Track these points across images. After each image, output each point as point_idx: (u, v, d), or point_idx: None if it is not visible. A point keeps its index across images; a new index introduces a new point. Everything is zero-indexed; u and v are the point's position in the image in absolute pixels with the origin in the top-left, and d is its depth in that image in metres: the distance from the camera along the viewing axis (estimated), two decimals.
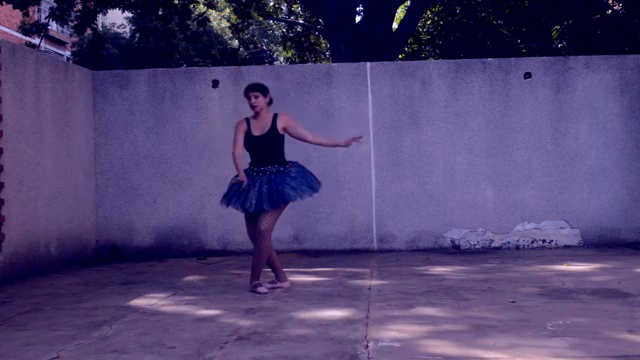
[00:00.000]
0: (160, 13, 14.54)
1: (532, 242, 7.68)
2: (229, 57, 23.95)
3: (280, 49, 24.07)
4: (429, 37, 17.41)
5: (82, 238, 7.40)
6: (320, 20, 16.83)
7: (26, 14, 15.20)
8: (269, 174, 5.05)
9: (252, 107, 5.16)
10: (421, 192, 7.76)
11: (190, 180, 7.82)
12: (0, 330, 3.96)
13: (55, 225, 6.80)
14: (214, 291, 5.19)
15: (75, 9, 14.73)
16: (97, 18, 14.81)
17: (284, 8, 21.82)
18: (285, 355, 3.21)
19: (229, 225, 7.66)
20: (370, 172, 7.78)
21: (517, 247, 7.68)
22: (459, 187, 7.74)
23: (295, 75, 7.89)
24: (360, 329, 3.72)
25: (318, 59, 22.15)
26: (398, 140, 7.80)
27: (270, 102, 5.24)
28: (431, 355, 3.14)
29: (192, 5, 15.77)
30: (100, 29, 21.45)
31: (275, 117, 5.18)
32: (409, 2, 16.75)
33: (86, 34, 18.68)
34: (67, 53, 30.86)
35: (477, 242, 7.70)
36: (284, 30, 22.65)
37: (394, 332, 3.62)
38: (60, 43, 32.71)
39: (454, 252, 7.56)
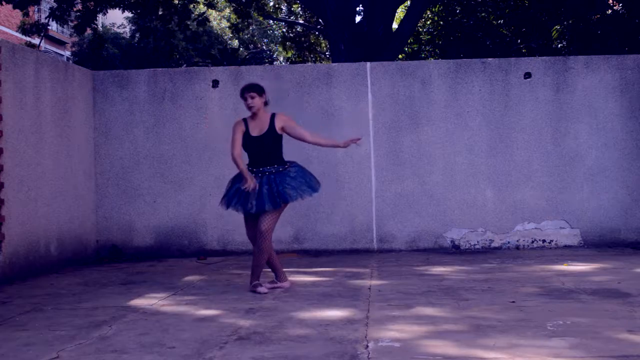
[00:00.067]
0: (160, 13, 14.54)
1: (532, 242, 7.69)
2: (229, 57, 23.95)
3: (280, 49, 24.06)
4: (429, 37, 17.41)
5: (82, 238, 7.40)
6: (320, 20, 16.83)
7: (26, 14, 15.20)
8: (268, 174, 5.05)
9: (249, 107, 5.16)
10: (421, 192, 7.76)
11: (190, 180, 7.82)
12: (0, 330, 3.96)
13: (55, 225, 6.80)
14: (214, 291, 5.19)
15: (75, 9, 14.73)
16: (97, 18, 14.81)
17: (283, 8, 21.82)
18: (285, 355, 3.21)
19: (229, 225, 7.66)
20: (370, 172, 7.78)
21: (517, 247, 7.68)
22: (459, 187, 7.75)
23: (295, 75, 7.89)
24: (360, 329, 3.72)
25: (318, 59, 22.15)
26: (398, 140, 7.80)
27: (266, 103, 5.22)
28: (431, 355, 3.14)
29: (192, 5, 15.77)
30: (100, 29, 21.45)
31: (273, 117, 5.17)
32: (409, 2, 16.75)
33: (86, 34, 18.68)
34: (67, 53, 30.86)
35: (477, 242, 7.70)
36: (284, 30, 22.65)
37: (394, 332, 3.62)
38: (60, 43, 32.71)
39: (454, 252, 7.56)
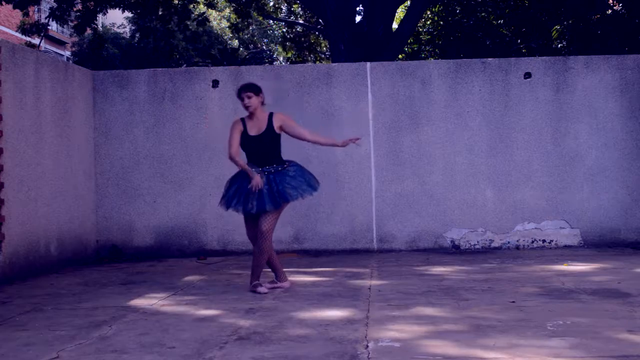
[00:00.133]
0: (160, 13, 14.54)
1: (532, 242, 7.69)
2: (229, 57, 23.95)
3: (280, 49, 24.07)
4: (429, 37, 17.41)
5: (82, 238, 7.40)
6: (320, 20, 16.83)
7: (26, 14, 15.20)
8: (267, 174, 5.04)
9: (246, 107, 5.15)
10: (421, 192, 7.76)
11: (190, 180, 7.82)
12: (0, 330, 3.96)
13: (55, 225, 6.80)
14: (214, 291, 5.19)
15: (75, 9, 14.73)
16: (97, 18, 14.80)
17: (283, 8, 21.82)
18: (285, 355, 3.21)
19: (229, 225, 7.66)
20: (370, 172, 7.78)
21: (517, 247, 7.68)
22: (459, 187, 7.75)
23: (295, 75, 7.89)
24: (360, 329, 3.72)
25: (318, 59, 22.15)
26: (398, 140, 7.80)
27: (262, 102, 5.21)
28: (431, 355, 3.14)
29: (192, 5, 15.77)
30: (100, 29, 21.46)
31: (271, 116, 5.16)
32: (409, 2, 16.75)
33: (86, 34, 18.68)
34: (67, 53, 30.86)
35: (477, 242, 7.70)
36: (284, 30, 22.65)
37: (394, 332, 3.62)
38: (60, 43, 32.71)
39: (454, 252, 7.56)
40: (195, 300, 4.82)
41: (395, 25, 15.95)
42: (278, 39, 28.80)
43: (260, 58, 28.90)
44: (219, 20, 29.96)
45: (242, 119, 5.23)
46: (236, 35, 25.22)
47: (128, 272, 6.47)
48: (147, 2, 13.76)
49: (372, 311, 4.23)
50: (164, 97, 7.89)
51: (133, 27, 25.89)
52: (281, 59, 30.17)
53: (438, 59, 15.72)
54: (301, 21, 20.81)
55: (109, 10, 14.65)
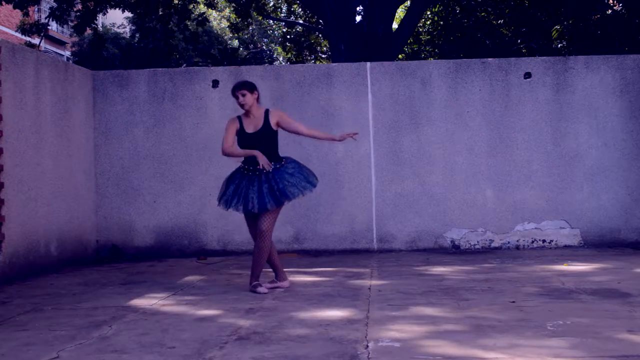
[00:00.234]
0: (160, 13, 14.54)
1: (532, 242, 7.69)
2: (229, 57, 23.92)
3: (280, 49, 24.07)
4: (429, 37, 17.42)
5: (82, 238, 7.40)
6: (320, 20, 16.83)
7: (26, 14, 15.19)
8: (266, 172, 5.05)
9: (241, 105, 5.15)
10: (421, 192, 7.76)
11: (190, 180, 7.82)
12: (0, 330, 3.96)
13: (55, 225, 6.80)
14: (214, 291, 5.19)
15: (75, 9, 14.73)
16: (97, 18, 14.80)
17: (283, 8, 21.82)
18: (285, 355, 3.21)
19: (229, 225, 7.66)
20: (370, 172, 7.78)
21: (517, 247, 7.68)
22: (459, 187, 7.75)
23: (295, 75, 7.89)
24: (360, 329, 3.72)
25: (318, 59, 22.15)
26: (398, 140, 7.80)
27: (258, 99, 5.21)
28: (431, 355, 3.14)
29: (191, 6, 15.77)
30: (100, 29, 21.43)
31: (267, 113, 5.16)
32: (409, 2, 16.75)
33: (86, 34, 18.69)
34: (67, 53, 30.85)
35: (477, 242, 7.70)
36: (284, 30, 22.65)
37: (394, 332, 3.62)
38: (60, 43, 32.70)
39: (454, 252, 7.56)
40: (195, 300, 4.82)
41: (395, 26, 15.95)
42: (278, 39, 28.80)
43: (260, 58, 28.90)
44: (219, 20, 29.96)
45: (239, 117, 5.23)
46: (236, 35, 25.22)
47: (128, 272, 6.47)
48: (147, 2, 13.75)
49: (372, 311, 4.23)
50: (164, 97, 7.89)
51: (133, 27, 25.89)
52: (281, 58, 30.17)
53: (438, 59, 15.72)
54: (301, 21, 20.81)
55: (109, 10, 14.66)
